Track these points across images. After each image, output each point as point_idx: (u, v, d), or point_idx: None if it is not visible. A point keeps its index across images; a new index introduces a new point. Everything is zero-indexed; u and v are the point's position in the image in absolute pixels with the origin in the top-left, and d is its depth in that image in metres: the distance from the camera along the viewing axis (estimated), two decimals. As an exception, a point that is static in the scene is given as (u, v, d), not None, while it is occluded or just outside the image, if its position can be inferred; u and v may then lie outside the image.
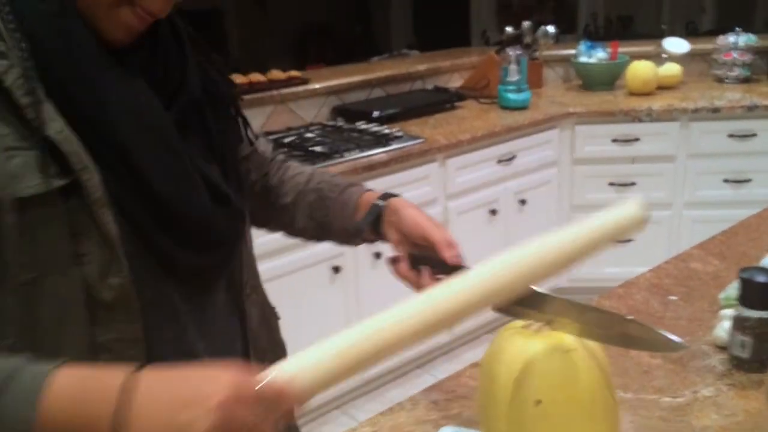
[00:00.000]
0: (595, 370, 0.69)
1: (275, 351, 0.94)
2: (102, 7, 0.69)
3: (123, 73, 0.72)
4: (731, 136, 2.81)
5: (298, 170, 1.02)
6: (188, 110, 0.78)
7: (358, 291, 2.33)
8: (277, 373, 0.60)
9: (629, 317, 0.70)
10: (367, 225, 0.91)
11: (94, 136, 0.68)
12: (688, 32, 5.67)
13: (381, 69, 3.12)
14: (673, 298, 1.23)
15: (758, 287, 0.97)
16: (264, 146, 1.01)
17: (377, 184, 2.16)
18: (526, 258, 0.71)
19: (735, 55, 3.11)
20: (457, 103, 2.93)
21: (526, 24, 3.05)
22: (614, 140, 2.85)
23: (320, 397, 0.65)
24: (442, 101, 2.90)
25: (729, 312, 1.06)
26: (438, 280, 0.80)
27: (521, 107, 2.84)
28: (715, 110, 2.79)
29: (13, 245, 0.65)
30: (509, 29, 3.09)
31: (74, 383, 0.59)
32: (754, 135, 2.80)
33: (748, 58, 3.10)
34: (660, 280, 1.30)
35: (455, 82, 3.25)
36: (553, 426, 0.68)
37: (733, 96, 2.90)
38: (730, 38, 3.13)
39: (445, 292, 0.68)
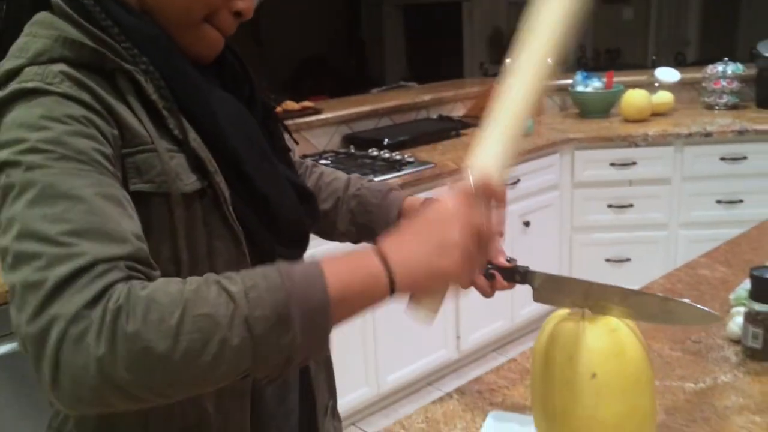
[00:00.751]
0: (637, 345, 0.79)
1: None
2: (187, 29, 0.79)
3: (214, 87, 0.82)
4: (723, 159, 2.96)
5: (333, 176, 1.08)
6: (265, 119, 0.89)
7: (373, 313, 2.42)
8: (476, 174, 0.74)
9: (667, 296, 0.81)
10: None
11: (210, 146, 0.78)
12: (677, 62, 5.88)
13: (388, 99, 3.26)
14: (687, 300, 1.33)
15: (768, 283, 1.08)
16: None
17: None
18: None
19: (723, 83, 3.27)
20: (461, 131, 3.06)
21: (525, 55, 3.20)
22: (612, 164, 2.99)
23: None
24: (448, 129, 3.03)
25: (740, 309, 1.17)
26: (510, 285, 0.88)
27: (524, 134, 2.96)
28: (708, 135, 2.93)
29: (181, 237, 0.74)
30: (508, 61, 3.24)
31: (338, 261, 0.67)
32: (744, 158, 2.94)
33: (735, 85, 3.27)
34: (673, 285, 1.41)
35: (458, 111, 3.39)
36: (607, 396, 0.77)
37: (723, 121, 3.05)
38: (719, 67, 3.30)
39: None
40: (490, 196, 0.73)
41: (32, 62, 0.70)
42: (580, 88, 3.34)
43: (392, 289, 0.68)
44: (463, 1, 6.96)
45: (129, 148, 0.72)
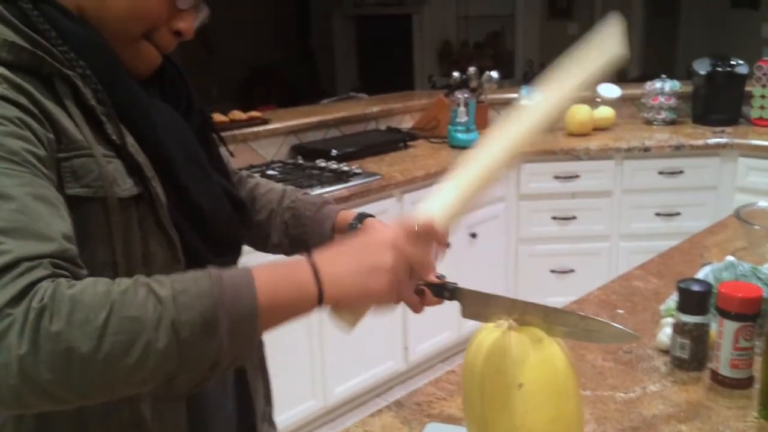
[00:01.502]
0: (561, 354, 0.82)
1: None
2: (126, 44, 0.79)
3: (152, 97, 0.84)
4: (661, 173, 3.05)
5: (268, 187, 1.09)
6: (200, 129, 0.90)
7: (320, 322, 2.42)
8: (424, 216, 0.79)
9: (586, 315, 0.83)
10: None
11: (147, 152, 0.79)
12: (618, 78, 6.05)
13: (337, 110, 3.26)
14: (620, 311, 1.38)
15: (694, 295, 1.13)
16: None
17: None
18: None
19: (662, 99, 3.39)
20: (409, 143, 3.09)
21: (471, 69, 3.26)
22: (556, 177, 3.06)
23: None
24: (396, 140, 3.06)
25: (669, 320, 1.21)
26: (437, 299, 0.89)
27: (470, 146, 3.01)
28: (646, 149, 3.03)
29: (118, 242, 0.74)
30: (456, 74, 3.29)
31: (269, 269, 0.69)
32: (681, 172, 3.05)
33: (673, 102, 3.38)
34: (608, 296, 1.45)
35: (407, 123, 3.42)
36: (535, 405, 0.79)
37: (661, 137, 3.15)
38: (657, 84, 3.41)
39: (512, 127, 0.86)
40: (431, 237, 0.77)
41: None
42: (525, 102, 3.40)
43: (320, 300, 0.70)
44: (413, 14, 7.03)
45: (65, 152, 0.72)
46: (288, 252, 1.07)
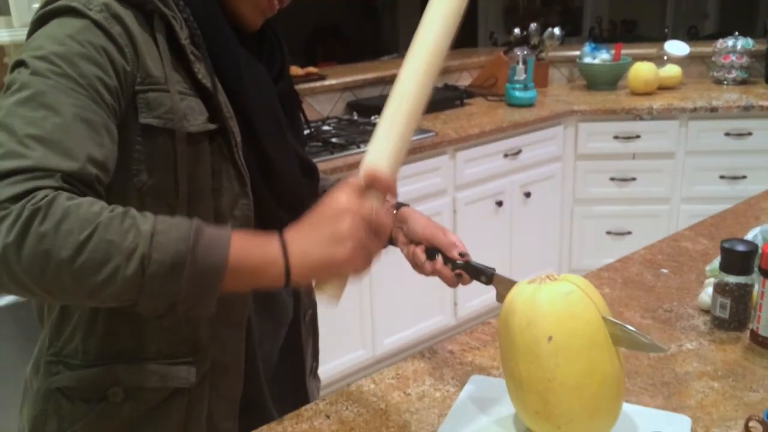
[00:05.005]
0: (591, 306, 0.82)
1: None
2: None
3: (249, 54, 0.90)
4: (728, 134, 2.94)
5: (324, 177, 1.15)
6: (286, 95, 0.96)
7: (370, 278, 2.47)
8: (366, 168, 0.76)
9: (615, 320, 0.82)
10: None
11: (230, 98, 0.85)
12: (690, 36, 5.80)
13: (393, 67, 3.26)
14: (665, 271, 1.36)
15: (737, 255, 1.11)
16: None
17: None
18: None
19: (733, 58, 3.24)
20: (466, 100, 3.07)
21: (533, 26, 3.19)
22: (616, 137, 2.99)
23: None
24: (452, 98, 3.04)
25: (713, 280, 1.19)
26: (448, 268, 0.96)
27: (527, 105, 2.97)
28: (713, 110, 2.92)
29: (182, 171, 0.81)
30: (517, 31, 3.23)
31: (247, 237, 0.73)
32: (749, 134, 2.93)
33: (745, 61, 3.23)
34: (653, 256, 1.43)
35: (464, 80, 3.39)
36: (565, 357, 0.80)
37: (730, 96, 3.03)
38: (729, 42, 3.26)
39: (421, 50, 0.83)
40: (380, 189, 0.76)
41: None
42: (587, 60, 3.32)
43: (288, 275, 0.72)
44: (479, -31, 6.87)
45: (143, 85, 0.79)
46: None
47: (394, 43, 7.44)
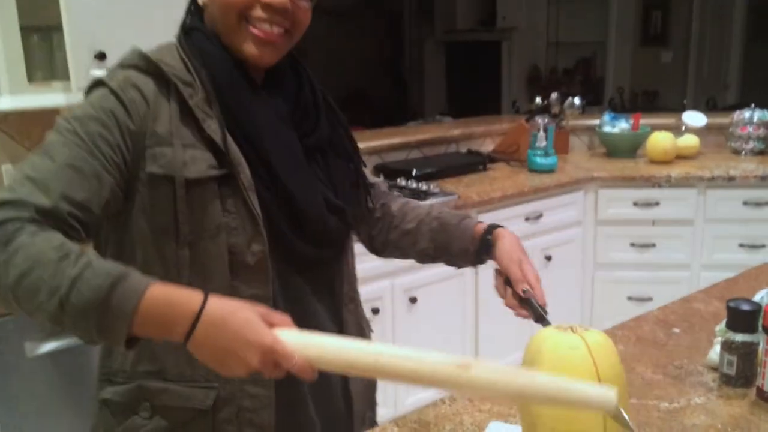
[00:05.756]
0: (589, 365, 0.85)
1: None
2: (232, 31, 0.99)
3: (270, 104, 1.02)
4: (746, 203, 3.00)
5: (417, 203, 1.27)
6: (316, 147, 1.07)
7: (394, 332, 2.54)
8: (292, 343, 0.79)
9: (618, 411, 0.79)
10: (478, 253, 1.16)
11: (247, 146, 0.97)
12: (708, 107, 5.92)
13: (419, 132, 3.40)
14: (677, 330, 1.42)
15: (742, 314, 1.17)
16: (381, 184, 1.29)
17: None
18: (500, 378, 0.79)
19: (750, 129, 3.33)
20: (489, 165, 3.18)
21: (554, 95, 3.32)
22: (635, 203, 3.06)
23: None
24: (475, 163, 3.15)
25: (721, 339, 1.25)
26: (519, 300, 1.06)
27: (548, 170, 3.07)
28: (731, 179, 2.99)
29: (182, 212, 0.93)
30: (538, 100, 3.36)
31: (171, 291, 0.82)
32: (767, 203, 2.99)
33: (762, 132, 3.32)
34: (666, 316, 1.50)
35: (487, 146, 3.51)
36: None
37: (747, 166, 3.10)
38: (746, 114, 3.36)
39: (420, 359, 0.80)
40: (283, 363, 0.79)
41: (119, 65, 0.97)
42: (607, 129, 3.43)
43: (186, 342, 0.81)
44: (503, 40, 7.11)
45: (151, 142, 0.94)
46: (432, 256, 1.23)
47: (420, 109, 7.67)
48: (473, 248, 1.16)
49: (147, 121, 0.93)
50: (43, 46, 2.02)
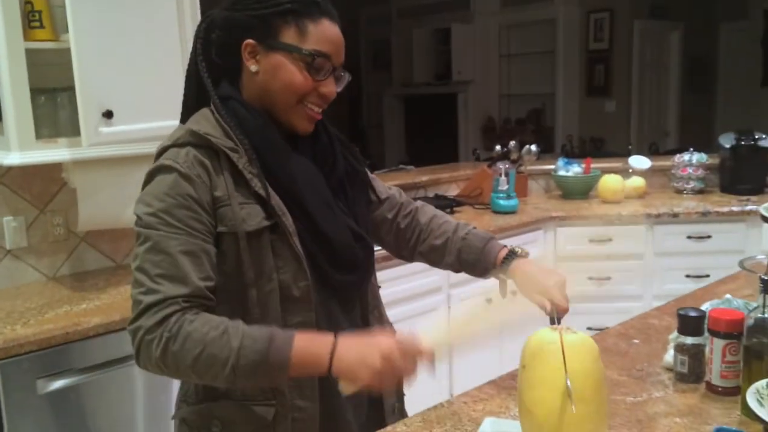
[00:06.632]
0: (559, 357, 1.04)
1: None
2: (289, 109, 1.17)
3: (300, 157, 1.20)
4: (689, 237, 3.29)
5: (444, 219, 1.44)
6: (336, 184, 1.25)
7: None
8: (416, 339, 1.06)
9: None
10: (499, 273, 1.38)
11: (286, 197, 1.15)
12: (651, 151, 6.34)
13: (389, 179, 3.61)
14: (636, 341, 1.64)
15: (691, 320, 1.39)
16: (396, 194, 1.45)
17: (393, 273, 2.59)
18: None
19: (690, 170, 3.66)
20: (456, 208, 3.41)
21: (512, 143, 3.59)
22: (591, 240, 3.32)
23: None
24: (443, 206, 3.37)
25: (674, 343, 1.47)
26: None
27: (511, 212, 3.32)
28: (675, 215, 3.28)
29: (246, 260, 1.11)
30: (498, 147, 3.63)
31: (306, 346, 1.04)
32: (709, 236, 3.28)
33: (701, 172, 3.65)
34: (626, 330, 1.71)
35: (453, 191, 3.76)
36: (530, 384, 1.06)
37: (689, 204, 3.41)
38: (685, 156, 3.69)
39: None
40: (417, 354, 1.06)
41: (173, 144, 1.12)
42: (561, 173, 3.72)
43: (329, 371, 1.05)
44: (458, 92, 7.48)
45: (216, 205, 1.11)
46: (457, 269, 1.42)
47: (380, 160, 7.94)
48: (494, 271, 1.37)
49: (211, 189, 1.11)
50: (48, 106, 2.18)
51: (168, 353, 1.03)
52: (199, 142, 1.13)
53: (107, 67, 2.01)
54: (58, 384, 1.89)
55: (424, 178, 3.66)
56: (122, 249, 2.54)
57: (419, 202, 1.48)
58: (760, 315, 1.23)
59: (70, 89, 2.01)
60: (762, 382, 1.13)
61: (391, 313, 1.42)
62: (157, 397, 2.04)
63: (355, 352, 1.03)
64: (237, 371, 1.02)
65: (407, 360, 1.04)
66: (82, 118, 1.97)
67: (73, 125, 2.12)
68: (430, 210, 1.45)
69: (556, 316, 1.25)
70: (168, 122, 1.36)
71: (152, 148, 1.21)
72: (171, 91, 2.13)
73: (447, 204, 3.41)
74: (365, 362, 1.02)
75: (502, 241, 1.43)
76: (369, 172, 1.38)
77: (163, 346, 1.03)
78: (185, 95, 1.24)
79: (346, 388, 1.07)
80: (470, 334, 1.11)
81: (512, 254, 1.36)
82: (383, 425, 1.29)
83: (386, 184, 1.45)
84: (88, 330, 1.88)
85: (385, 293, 1.43)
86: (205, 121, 1.16)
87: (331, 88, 1.18)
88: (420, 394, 2.79)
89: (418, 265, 2.77)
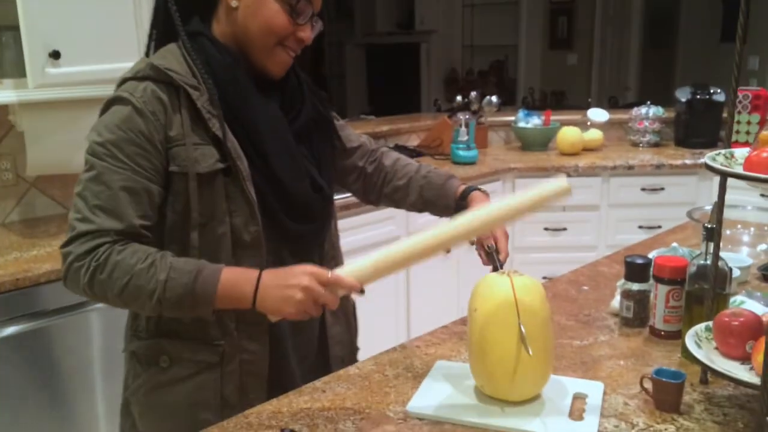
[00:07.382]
0: (511, 298, 1.08)
1: (343, 302, 1.34)
2: (265, 51, 1.15)
3: (266, 101, 1.18)
4: (644, 189, 3.36)
5: (407, 161, 1.46)
6: (301, 130, 1.23)
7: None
8: (336, 272, 1.06)
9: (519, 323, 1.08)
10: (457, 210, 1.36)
11: (246, 140, 1.13)
12: (611, 105, 6.40)
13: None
14: (585, 288, 1.68)
15: (637, 267, 1.43)
16: (367, 141, 1.45)
17: (351, 223, 2.61)
18: (485, 214, 1.15)
19: (646, 123, 3.71)
20: (416, 159, 3.40)
21: (473, 94, 3.59)
22: (548, 192, 3.36)
23: None
24: (402, 156, 3.37)
25: (621, 289, 1.51)
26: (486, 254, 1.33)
27: (470, 163, 3.33)
28: (630, 168, 3.34)
29: (194, 201, 1.09)
30: (459, 98, 3.62)
31: (232, 274, 1.05)
32: (662, 189, 3.35)
33: (657, 126, 3.70)
34: (576, 277, 1.75)
35: (413, 141, 3.75)
36: (479, 327, 1.09)
37: (644, 157, 3.46)
38: (642, 110, 3.73)
39: (438, 232, 1.10)
40: (338, 287, 1.06)
41: (133, 77, 1.09)
42: (521, 124, 3.73)
43: (253, 307, 1.06)
44: (421, 42, 7.40)
45: (169, 144, 1.09)
46: (420, 209, 1.45)
47: (342, 110, 7.87)
48: (453, 206, 1.38)
49: (165, 127, 1.09)
50: (-8, 45, 2.09)
51: (95, 281, 1.05)
52: (159, 76, 1.10)
53: (54, 4, 1.93)
54: (9, 330, 1.86)
55: (385, 128, 3.64)
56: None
57: (384, 147, 1.50)
58: (702, 262, 1.27)
59: (15, 28, 1.93)
60: (701, 326, 1.17)
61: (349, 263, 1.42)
62: (113, 339, 2.03)
63: (276, 287, 1.04)
64: (163, 303, 1.05)
65: (327, 289, 1.05)
66: (27, 59, 1.90)
67: (19, 66, 2.04)
68: (393, 154, 1.48)
69: (498, 263, 1.27)
70: (120, 64, 1.31)
71: (104, 91, 1.19)
72: (123, 31, 2.09)
73: (407, 154, 3.38)
74: (286, 297, 1.03)
75: (462, 190, 1.45)
76: (339, 119, 1.37)
77: (90, 274, 1.05)
78: (152, 28, 1.20)
79: (271, 317, 1.09)
80: (406, 257, 1.09)
81: (469, 190, 1.39)
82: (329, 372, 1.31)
83: (356, 132, 1.45)
84: (39, 276, 1.85)
85: (343, 242, 1.43)
86: (170, 56, 1.13)
87: (309, 33, 1.18)
88: (376, 342, 2.83)
89: (377, 214, 2.80)
